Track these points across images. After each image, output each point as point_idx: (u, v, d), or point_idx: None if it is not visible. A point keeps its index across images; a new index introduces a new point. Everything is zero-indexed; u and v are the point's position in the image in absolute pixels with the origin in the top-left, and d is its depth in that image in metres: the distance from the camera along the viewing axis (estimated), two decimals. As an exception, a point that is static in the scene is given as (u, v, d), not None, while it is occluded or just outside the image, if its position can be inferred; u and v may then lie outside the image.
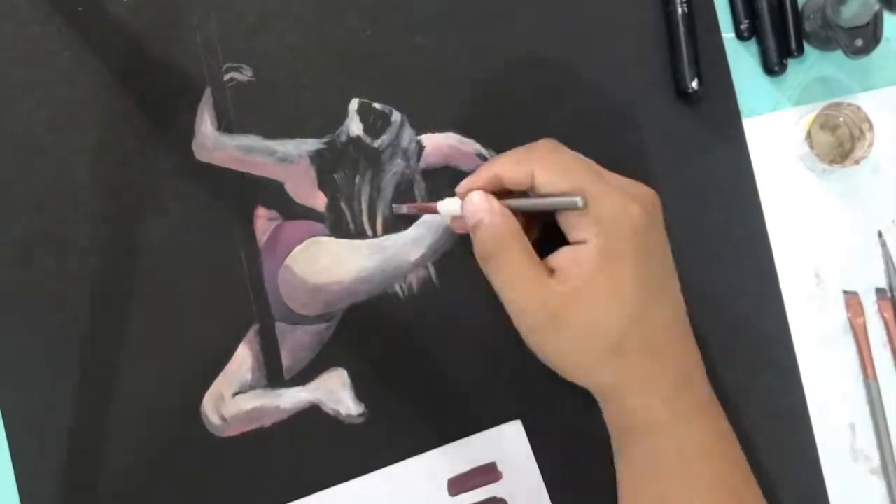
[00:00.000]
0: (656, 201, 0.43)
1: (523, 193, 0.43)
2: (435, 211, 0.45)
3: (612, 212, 0.40)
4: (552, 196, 0.41)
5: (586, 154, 0.50)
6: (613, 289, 0.40)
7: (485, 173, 0.42)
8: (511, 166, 0.42)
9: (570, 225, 0.41)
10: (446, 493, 0.48)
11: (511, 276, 0.41)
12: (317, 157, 0.50)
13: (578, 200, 0.40)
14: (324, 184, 0.49)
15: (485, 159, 0.49)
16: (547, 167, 0.41)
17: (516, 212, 0.42)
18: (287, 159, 0.49)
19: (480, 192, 0.42)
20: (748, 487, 0.43)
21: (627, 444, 0.43)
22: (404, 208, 0.48)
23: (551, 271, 0.41)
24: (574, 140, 0.49)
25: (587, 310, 0.40)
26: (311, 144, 0.49)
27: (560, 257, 0.41)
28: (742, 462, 0.43)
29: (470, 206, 0.42)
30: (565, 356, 0.42)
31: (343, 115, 0.50)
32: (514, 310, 0.42)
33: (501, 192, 0.42)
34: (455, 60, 0.50)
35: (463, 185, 0.43)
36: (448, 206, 0.44)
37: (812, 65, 0.52)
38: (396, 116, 0.50)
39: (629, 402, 0.42)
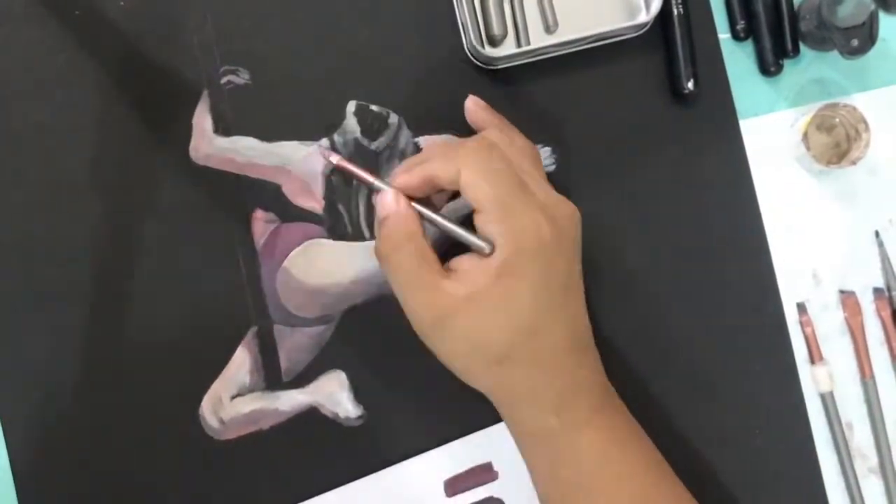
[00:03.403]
0: (574, 220, 0.43)
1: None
2: (366, 182, 0.44)
3: (521, 228, 0.40)
4: (466, 231, 0.41)
5: (587, 153, 0.51)
6: (507, 303, 0.40)
7: (419, 172, 0.42)
8: (441, 164, 0.42)
9: (481, 232, 0.41)
10: (443, 494, 0.48)
11: (404, 277, 0.42)
12: (314, 160, 0.50)
13: (486, 247, 0.40)
14: (321, 186, 0.49)
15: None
16: (474, 168, 0.41)
17: (424, 219, 0.43)
18: (284, 162, 0.49)
19: (393, 191, 0.42)
20: (656, 487, 0.43)
21: (523, 446, 0.44)
22: (334, 158, 0.45)
23: (452, 272, 0.41)
24: (573, 141, 0.50)
25: (477, 319, 0.40)
26: (309, 146, 0.50)
27: (463, 261, 0.42)
28: (646, 462, 0.43)
29: (380, 202, 0.43)
30: (452, 360, 0.42)
31: (340, 117, 0.50)
32: (406, 310, 0.42)
33: (433, 191, 0.43)
34: (453, 63, 0.50)
35: (396, 179, 0.43)
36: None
37: (808, 65, 0.52)
38: (394, 118, 0.50)
39: (517, 410, 0.43)
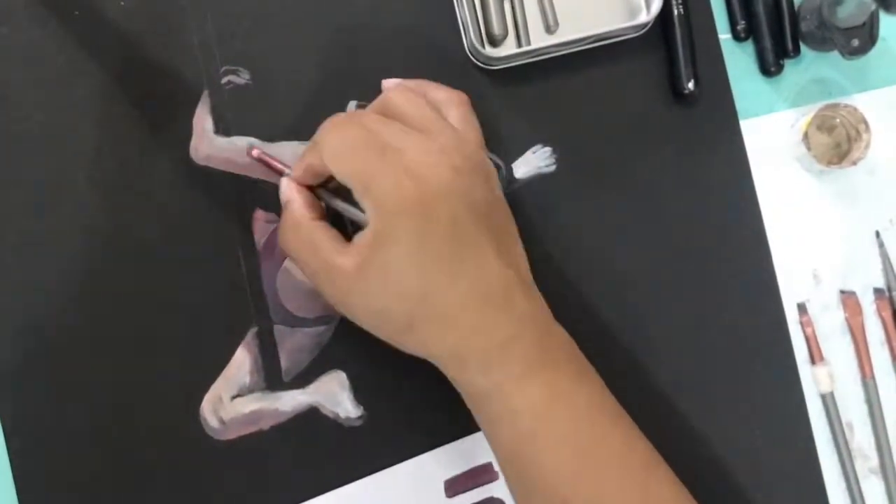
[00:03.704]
0: (455, 172, 0.40)
1: None
2: (277, 171, 0.46)
3: (382, 193, 0.39)
4: (345, 205, 0.42)
5: (587, 154, 0.51)
6: (387, 273, 0.39)
7: (300, 165, 0.43)
8: (311, 153, 0.42)
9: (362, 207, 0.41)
10: (443, 495, 0.48)
11: (302, 263, 0.43)
12: (314, 160, 0.49)
13: (364, 218, 0.40)
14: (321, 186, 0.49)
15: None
16: (331, 148, 0.41)
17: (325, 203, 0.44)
18: (285, 161, 0.49)
19: (287, 179, 0.44)
20: (605, 439, 0.40)
21: (471, 408, 0.42)
22: (255, 152, 0.47)
23: (348, 245, 0.41)
24: (573, 141, 0.50)
25: (368, 290, 0.40)
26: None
27: (360, 236, 0.41)
28: (593, 414, 0.41)
29: (280, 192, 0.44)
30: (370, 330, 0.42)
31: (341, 117, 0.50)
32: (311, 279, 0.43)
33: (322, 177, 0.43)
34: (453, 63, 0.50)
35: (294, 168, 0.44)
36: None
37: (808, 66, 0.52)
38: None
39: (448, 373, 0.42)
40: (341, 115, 0.44)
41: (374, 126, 0.41)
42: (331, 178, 0.42)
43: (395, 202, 0.39)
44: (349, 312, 0.42)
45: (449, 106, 0.44)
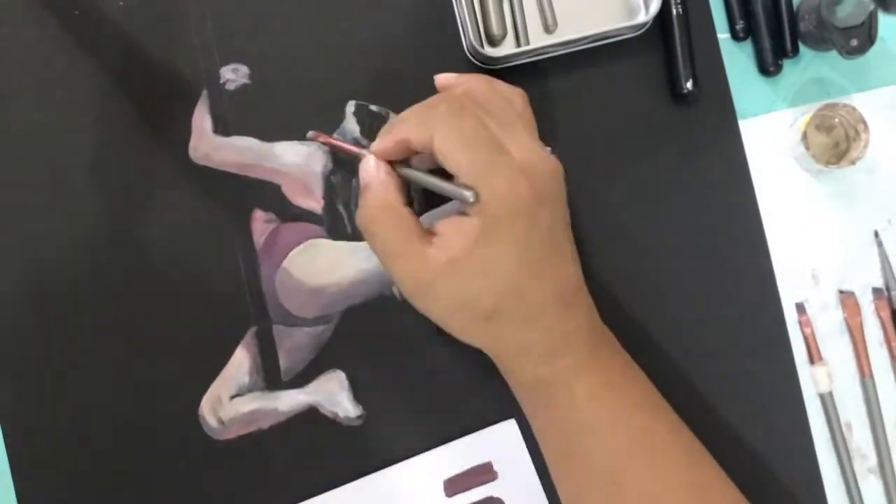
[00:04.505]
0: (556, 176, 0.43)
1: None
2: (350, 152, 0.44)
3: (498, 190, 0.40)
4: (448, 183, 0.41)
5: (586, 153, 0.51)
6: (488, 268, 0.40)
7: (393, 136, 0.42)
8: (415, 127, 0.41)
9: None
10: (443, 494, 0.48)
11: (388, 247, 0.42)
12: (313, 160, 0.50)
13: (469, 196, 0.39)
14: (321, 186, 0.49)
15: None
16: (446, 133, 0.40)
17: (410, 181, 0.43)
18: (284, 162, 0.49)
19: (374, 157, 0.42)
20: (654, 423, 0.43)
21: (520, 396, 0.44)
22: (316, 135, 0.45)
23: (434, 237, 0.41)
24: (572, 141, 0.50)
25: (459, 284, 0.40)
26: (308, 147, 0.50)
27: (447, 224, 0.41)
28: (642, 401, 0.44)
29: (362, 170, 0.43)
30: (440, 320, 0.43)
31: (340, 116, 0.50)
32: (392, 276, 0.42)
33: (411, 153, 0.43)
34: (453, 63, 0.50)
35: (374, 145, 0.43)
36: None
37: (807, 65, 0.52)
38: (393, 118, 0.50)
39: (510, 363, 0.43)
40: (452, 99, 0.42)
41: (485, 120, 0.41)
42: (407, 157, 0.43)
43: (509, 202, 0.40)
44: (425, 298, 0.42)
45: (515, 101, 0.44)
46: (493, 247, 0.40)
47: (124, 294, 0.48)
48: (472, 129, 0.41)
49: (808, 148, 0.50)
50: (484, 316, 0.41)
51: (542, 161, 0.42)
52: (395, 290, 0.49)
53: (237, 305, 0.49)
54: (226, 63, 0.50)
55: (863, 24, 0.48)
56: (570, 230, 0.44)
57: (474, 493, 0.48)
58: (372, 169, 0.42)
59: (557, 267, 0.42)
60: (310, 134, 0.45)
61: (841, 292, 0.51)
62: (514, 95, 0.44)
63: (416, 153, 0.43)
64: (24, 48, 0.49)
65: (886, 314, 0.51)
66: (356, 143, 0.43)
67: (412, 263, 0.41)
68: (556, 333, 0.42)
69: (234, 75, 0.49)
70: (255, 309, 0.49)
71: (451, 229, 0.41)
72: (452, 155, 0.40)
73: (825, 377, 0.50)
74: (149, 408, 0.48)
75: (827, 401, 0.50)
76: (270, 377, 0.49)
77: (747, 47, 0.52)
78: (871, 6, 0.47)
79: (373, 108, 0.50)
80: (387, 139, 0.42)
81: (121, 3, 0.50)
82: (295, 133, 0.49)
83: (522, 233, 0.40)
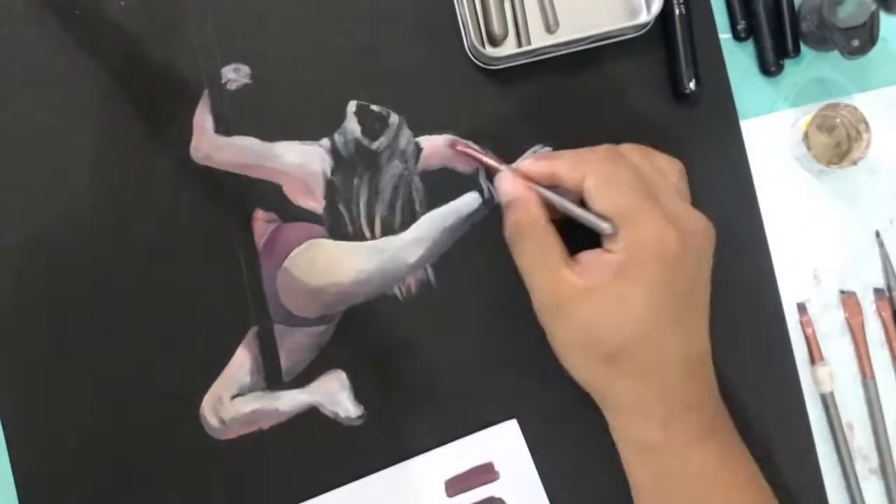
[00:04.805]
0: (706, 235, 0.43)
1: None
2: (489, 165, 0.46)
3: (644, 235, 0.40)
4: (587, 212, 0.42)
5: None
6: (621, 304, 0.40)
7: (541, 167, 0.43)
8: (567, 168, 0.43)
9: (605, 240, 0.42)
10: (444, 495, 0.48)
11: (532, 261, 0.43)
12: (314, 160, 0.50)
13: (608, 228, 0.41)
14: (322, 186, 0.49)
15: (482, 161, 0.49)
16: (601, 177, 0.42)
17: (546, 200, 0.44)
18: (285, 162, 0.49)
19: (515, 174, 0.44)
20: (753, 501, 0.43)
21: (626, 454, 0.44)
22: (460, 146, 0.48)
23: (575, 263, 0.42)
24: (574, 141, 0.49)
25: (592, 312, 0.41)
26: (309, 146, 0.50)
27: (588, 255, 0.42)
28: (754, 486, 0.43)
29: (504, 185, 0.44)
30: (563, 347, 0.43)
31: (341, 116, 0.50)
32: (530, 290, 0.43)
33: (550, 185, 0.44)
34: (454, 63, 0.50)
35: (521, 165, 0.44)
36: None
37: (809, 65, 0.52)
38: (394, 118, 0.50)
39: (623, 417, 0.43)
40: (609, 148, 0.44)
41: (639, 170, 0.43)
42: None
43: (655, 249, 0.40)
44: (555, 317, 0.42)
45: (670, 173, 0.45)
46: (630, 287, 0.40)
47: (125, 294, 0.48)
48: (626, 176, 0.42)
49: (809, 148, 0.50)
50: (606, 355, 0.41)
51: (693, 218, 0.43)
52: (397, 291, 0.49)
53: (238, 305, 0.49)
54: (227, 63, 0.49)
55: (864, 24, 0.48)
56: (709, 299, 0.43)
57: (475, 494, 0.48)
58: (516, 184, 0.44)
59: (690, 329, 0.42)
60: (449, 140, 0.48)
61: (842, 292, 0.51)
62: (670, 167, 0.45)
63: (554, 187, 0.43)
64: (24, 48, 0.49)
65: (888, 314, 0.51)
66: (493, 156, 0.46)
67: (552, 280, 0.41)
68: (676, 401, 0.41)
69: (235, 75, 0.49)
70: (256, 309, 0.49)
71: (594, 260, 0.41)
72: (602, 197, 0.41)
73: (826, 377, 0.50)
74: (149, 407, 0.48)
75: (828, 401, 0.50)
76: (271, 377, 0.49)
77: (749, 47, 0.52)
78: (873, 6, 0.47)
79: (374, 108, 0.50)
80: (536, 165, 0.44)
81: (122, 3, 0.49)
82: (296, 133, 0.49)
83: (661, 281, 0.40)
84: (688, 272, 0.41)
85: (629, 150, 0.44)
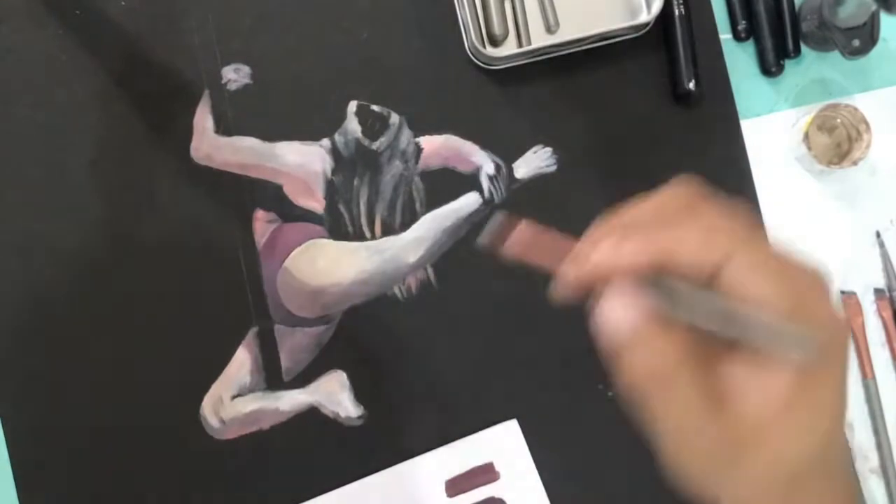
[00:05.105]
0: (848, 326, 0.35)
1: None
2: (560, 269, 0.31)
3: (822, 327, 0.29)
4: (782, 324, 0.27)
5: (587, 153, 0.50)
6: (812, 422, 0.30)
7: (652, 244, 0.28)
8: (694, 237, 0.28)
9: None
10: (444, 495, 0.48)
11: (677, 415, 0.29)
12: (315, 160, 0.50)
13: (808, 342, 0.27)
14: (322, 186, 0.49)
15: (483, 162, 0.48)
16: (753, 259, 0.29)
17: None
18: (285, 162, 0.49)
19: (629, 298, 0.29)
20: None
21: None
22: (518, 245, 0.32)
23: (723, 398, 0.30)
24: (574, 141, 0.50)
25: (772, 445, 0.30)
26: (310, 146, 0.50)
27: (735, 378, 0.30)
28: None
29: (613, 315, 0.29)
30: (738, 489, 0.31)
31: (341, 117, 0.50)
32: (676, 447, 0.30)
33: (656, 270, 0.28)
34: (454, 63, 0.50)
35: (597, 260, 0.30)
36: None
37: (809, 66, 0.52)
38: (395, 119, 0.50)
39: None
40: (736, 218, 0.31)
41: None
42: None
43: (836, 338, 0.30)
44: (724, 478, 0.30)
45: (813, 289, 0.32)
46: (815, 396, 0.29)
47: (125, 294, 0.48)
48: (779, 253, 0.30)
49: (809, 148, 0.50)
50: (789, 478, 0.30)
51: (839, 322, 0.31)
52: (398, 291, 0.49)
53: (238, 305, 0.49)
54: (227, 63, 0.49)
55: (865, 24, 0.48)
56: None
57: (476, 494, 0.48)
58: (634, 313, 0.28)
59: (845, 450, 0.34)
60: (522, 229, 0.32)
61: (843, 293, 0.51)
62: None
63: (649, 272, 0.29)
64: (25, 48, 0.49)
65: (888, 314, 0.51)
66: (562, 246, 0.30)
67: (704, 441, 0.29)
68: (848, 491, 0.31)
69: (235, 75, 0.49)
70: (256, 309, 0.49)
71: (745, 385, 0.29)
72: (764, 283, 0.29)
73: None
74: (150, 407, 0.48)
75: (828, 401, 0.50)
76: (272, 377, 0.49)
77: (749, 47, 0.52)
78: (874, 7, 0.47)
79: (374, 108, 0.50)
80: (639, 249, 0.29)
81: (122, 3, 0.49)
82: (296, 133, 0.49)
83: (841, 381, 0.30)
84: (846, 370, 0.31)
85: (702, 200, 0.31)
